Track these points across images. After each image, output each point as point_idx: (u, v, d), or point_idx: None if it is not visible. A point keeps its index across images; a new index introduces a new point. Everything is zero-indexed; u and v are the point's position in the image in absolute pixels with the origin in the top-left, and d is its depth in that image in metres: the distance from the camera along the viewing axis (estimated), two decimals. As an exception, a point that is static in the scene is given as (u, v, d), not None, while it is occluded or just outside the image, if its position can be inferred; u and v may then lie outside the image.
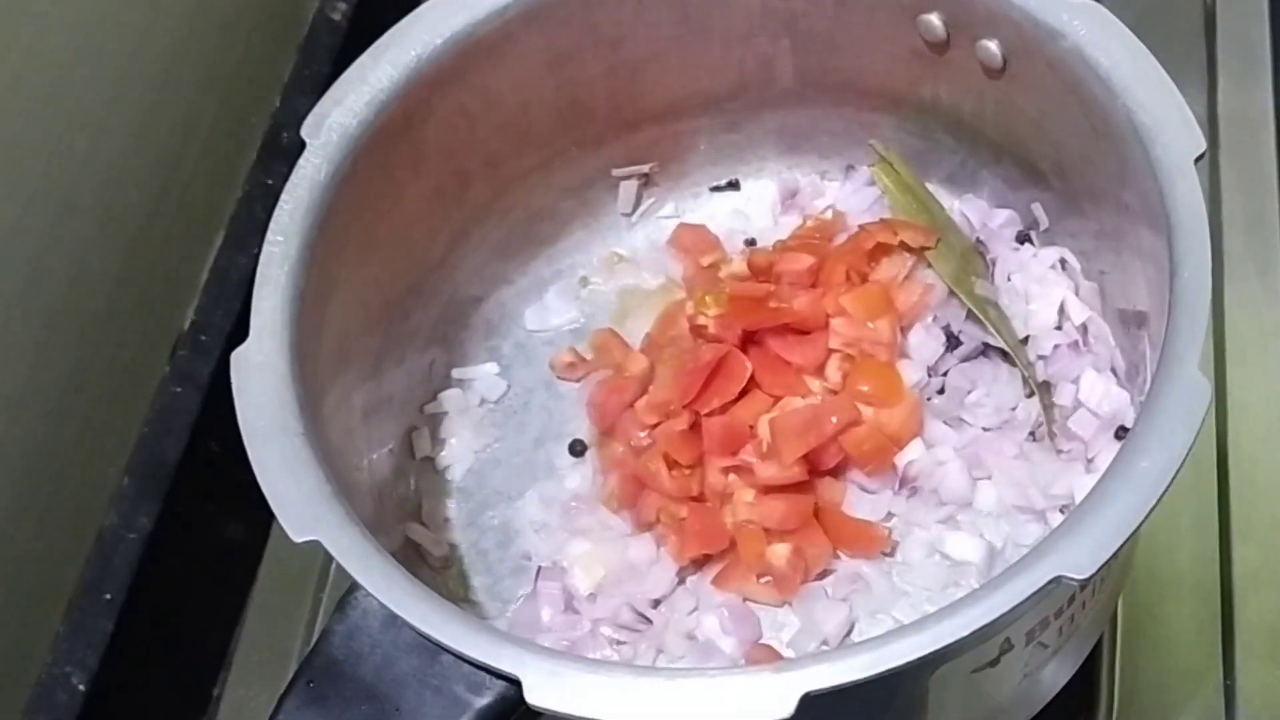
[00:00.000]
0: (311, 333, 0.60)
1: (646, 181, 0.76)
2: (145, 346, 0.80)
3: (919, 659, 0.49)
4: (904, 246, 0.70)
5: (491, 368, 0.75)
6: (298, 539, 0.54)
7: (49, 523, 0.74)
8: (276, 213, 0.61)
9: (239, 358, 0.58)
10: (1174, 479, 0.52)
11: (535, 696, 0.50)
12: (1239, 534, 0.72)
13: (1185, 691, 0.70)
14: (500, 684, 0.52)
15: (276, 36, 0.90)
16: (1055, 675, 0.63)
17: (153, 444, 0.77)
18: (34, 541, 0.73)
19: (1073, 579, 0.50)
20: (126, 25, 0.77)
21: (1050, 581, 0.50)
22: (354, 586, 0.54)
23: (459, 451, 0.73)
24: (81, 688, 0.71)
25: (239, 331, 0.60)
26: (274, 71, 0.90)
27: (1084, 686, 0.68)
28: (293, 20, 0.91)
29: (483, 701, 0.52)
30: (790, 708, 0.49)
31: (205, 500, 0.78)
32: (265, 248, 0.60)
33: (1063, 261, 0.70)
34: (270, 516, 0.75)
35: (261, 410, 0.57)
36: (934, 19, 0.65)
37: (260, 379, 0.58)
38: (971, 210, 0.73)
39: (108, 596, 0.73)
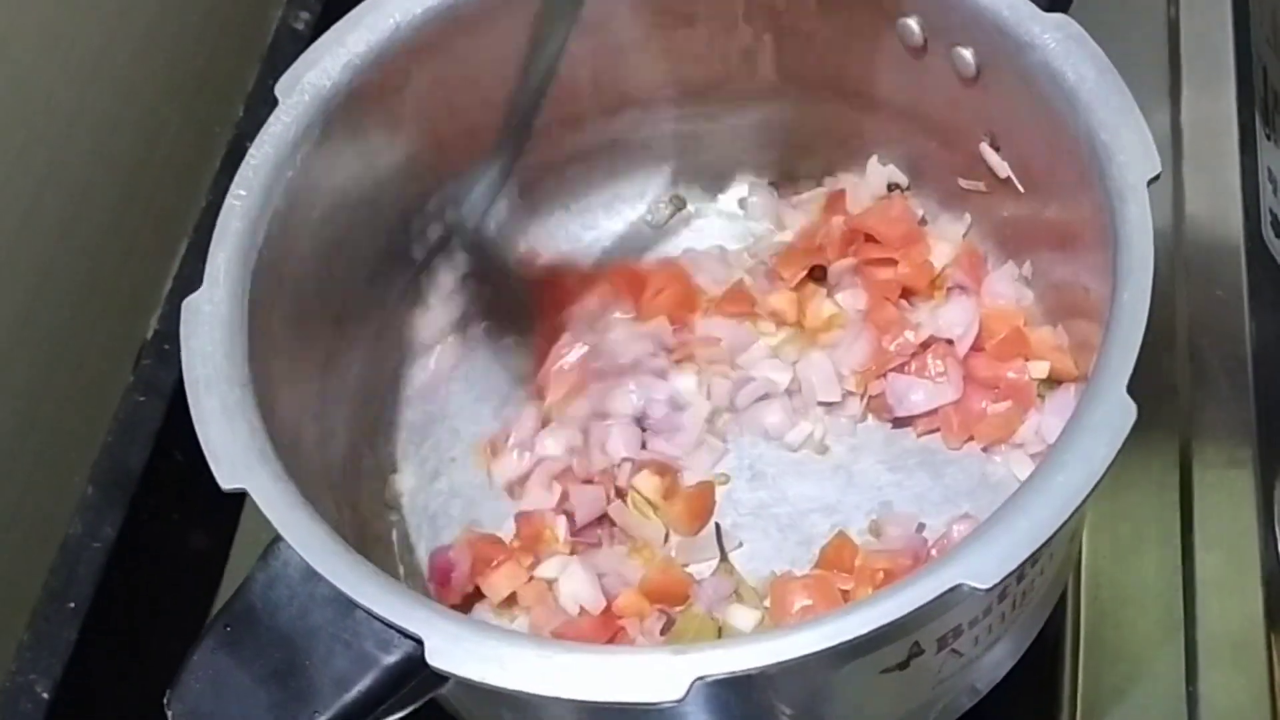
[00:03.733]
0: (267, 288, 0.61)
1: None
2: (109, 355, 0.80)
3: (813, 654, 0.49)
4: None
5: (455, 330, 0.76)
6: (226, 486, 0.55)
7: (13, 531, 0.74)
8: (242, 168, 0.61)
9: (189, 306, 0.59)
10: (1090, 496, 0.52)
11: (435, 659, 0.51)
12: (1202, 541, 0.72)
13: (1148, 699, 0.69)
14: (408, 644, 0.52)
15: (240, 46, 0.90)
16: (976, 683, 0.63)
17: (117, 453, 0.77)
18: (-3, 550, 0.74)
19: (975, 587, 0.50)
20: (89, 34, 0.77)
21: (951, 589, 0.50)
22: (278, 536, 0.55)
23: (412, 417, 0.74)
24: (45, 696, 0.71)
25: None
26: (237, 81, 0.89)
27: (1045, 693, 0.69)
28: (256, 30, 0.91)
29: (390, 659, 0.53)
30: (680, 691, 0.49)
31: (169, 509, 0.77)
32: (227, 200, 0.61)
33: (1026, 277, 0.71)
34: (234, 525, 0.77)
35: (206, 358, 0.57)
36: (912, 23, 0.66)
37: (208, 328, 0.58)
38: (946, 222, 0.73)
39: (72, 605, 0.73)
